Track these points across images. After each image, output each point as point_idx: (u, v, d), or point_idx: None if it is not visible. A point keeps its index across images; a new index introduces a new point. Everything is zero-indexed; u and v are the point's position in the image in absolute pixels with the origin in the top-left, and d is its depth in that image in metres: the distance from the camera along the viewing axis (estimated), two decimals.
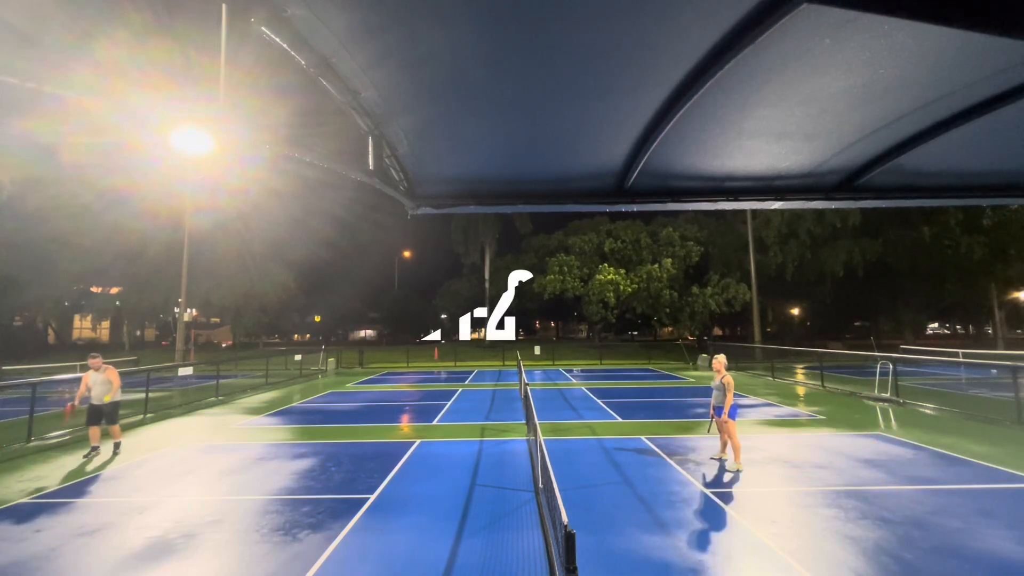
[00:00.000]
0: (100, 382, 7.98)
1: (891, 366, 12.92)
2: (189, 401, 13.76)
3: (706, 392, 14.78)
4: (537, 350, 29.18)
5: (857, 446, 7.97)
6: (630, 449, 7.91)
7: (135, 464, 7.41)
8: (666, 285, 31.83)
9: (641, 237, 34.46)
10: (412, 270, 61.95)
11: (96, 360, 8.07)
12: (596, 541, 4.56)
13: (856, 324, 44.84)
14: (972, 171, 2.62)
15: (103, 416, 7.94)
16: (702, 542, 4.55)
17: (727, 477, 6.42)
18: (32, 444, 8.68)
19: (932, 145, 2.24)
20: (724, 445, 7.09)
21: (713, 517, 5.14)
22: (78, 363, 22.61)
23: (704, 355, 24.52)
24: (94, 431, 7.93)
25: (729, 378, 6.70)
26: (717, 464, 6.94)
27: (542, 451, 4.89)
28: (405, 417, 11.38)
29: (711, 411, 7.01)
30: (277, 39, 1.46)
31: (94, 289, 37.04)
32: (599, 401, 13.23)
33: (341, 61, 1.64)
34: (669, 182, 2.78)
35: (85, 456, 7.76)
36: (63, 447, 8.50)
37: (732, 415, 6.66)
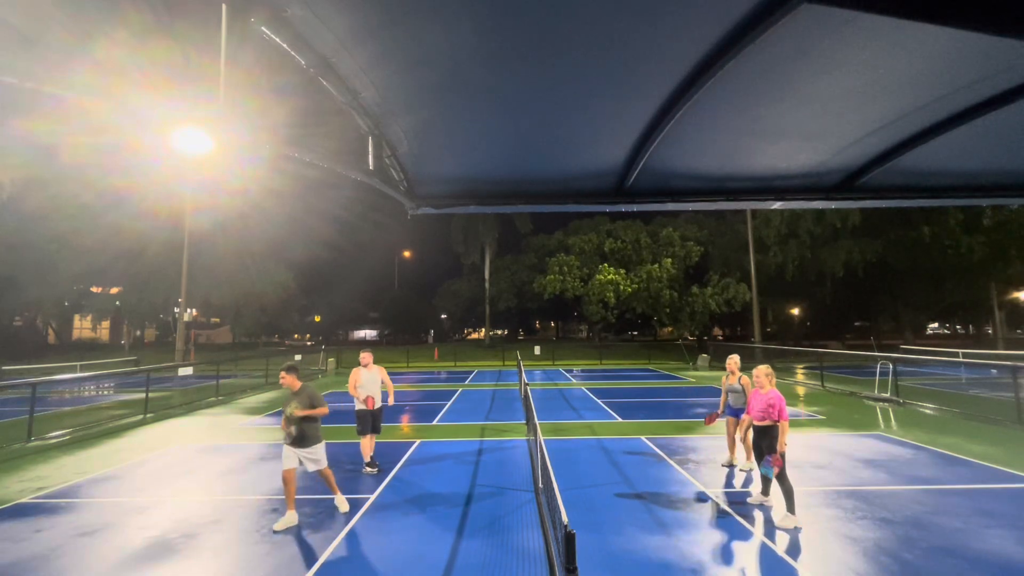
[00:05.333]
0: (373, 382, 6.87)
1: (891, 366, 12.92)
2: (189, 401, 13.76)
3: (706, 392, 14.78)
4: (537, 350, 29.17)
5: (857, 446, 7.97)
6: (630, 449, 7.91)
7: (135, 464, 7.41)
8: (666, 285, 31.83)
9: (641, 237, 34.46)
10: (412, 270, 62.08)
11: (368, 356, 6.96)
12: (596, 541, 4.56)
13: (856, 324, 44.84)
14: (972, 171, 2.62)
15: (376, 422, 6.89)
16: (702, 542, 4.55)
17: (727, 477, 6.42)
18: (32, 444, 8.68)
19: (932, 145, 2.23)
20: (733, 449, 6.76)
21: (713, 517, 5.14)
22: (78, 363, 22.63)
23: (704, 355, 24.47)
24: (367, 442, 6.86)
25: (747, 378, 6.23)
26: (717, 464, 6.92)
27: (542, 451, 4.89)
28: (405, 417, 11.37)
29: (720, 410, 6.60)
30: (277, 39, 1.46)
31: (94, 289, 37.06)
32: (599, 401, 13.22)
33: (341, 61, 1.64)
34: (669, 182, 2.78)
35: (371, 470, 6.79)
36: (63, 447, 8.50)
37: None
